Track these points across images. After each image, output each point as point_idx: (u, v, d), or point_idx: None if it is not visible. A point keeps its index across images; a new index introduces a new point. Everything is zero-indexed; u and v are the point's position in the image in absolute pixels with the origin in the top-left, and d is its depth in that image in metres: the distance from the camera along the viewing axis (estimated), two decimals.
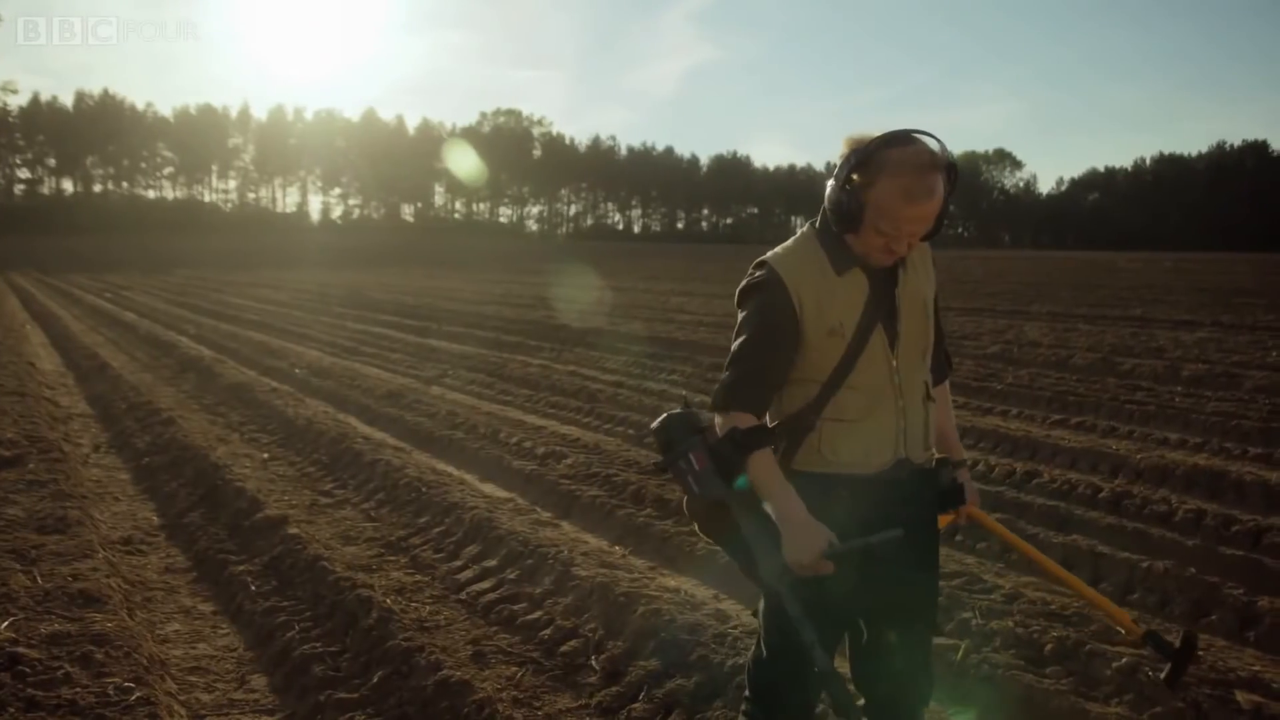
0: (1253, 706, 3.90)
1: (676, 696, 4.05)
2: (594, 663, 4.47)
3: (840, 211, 2.53)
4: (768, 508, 2.49)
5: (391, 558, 6.07)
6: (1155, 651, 3.93)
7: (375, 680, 4.26)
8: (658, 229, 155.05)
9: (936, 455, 2.84)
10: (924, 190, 2.42)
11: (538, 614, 5.05)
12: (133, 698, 3.87)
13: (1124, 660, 4.27)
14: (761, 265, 2.66)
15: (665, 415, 2.68)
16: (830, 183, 2.57)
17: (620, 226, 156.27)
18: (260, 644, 4.90)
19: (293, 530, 6.21)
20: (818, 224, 2.66)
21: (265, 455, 8.91)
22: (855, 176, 2.48)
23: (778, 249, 2.70)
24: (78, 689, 3.90)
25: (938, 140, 2.49)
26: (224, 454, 8.57)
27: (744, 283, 2.68)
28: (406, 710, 3.98)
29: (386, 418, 10.72)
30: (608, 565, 5.54)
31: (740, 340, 2.63)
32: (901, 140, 2.46)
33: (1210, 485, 7.34)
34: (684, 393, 2.69)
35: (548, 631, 4.83)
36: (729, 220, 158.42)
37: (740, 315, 2.67)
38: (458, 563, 5.95)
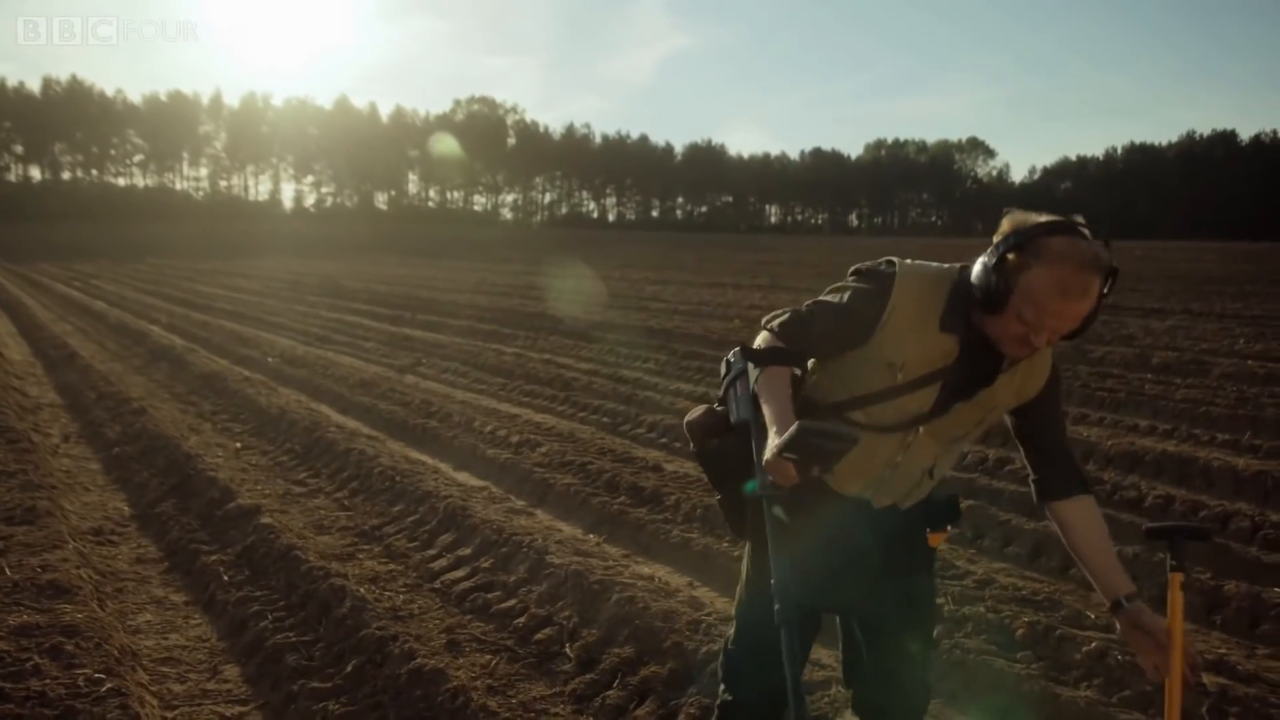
0: (1218, 689, 3.95)
1: (650, 684, 4.06)
2: (568, 650, 4.47)
3: (987, 290, 2.38)
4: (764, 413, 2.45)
5: (365, 547, 6.06)
6: None
7: (349, 669, 4.25)
8: (632, 217, 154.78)
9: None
10: (1079, 288, 2.29)
11: (512, 602, 5.05)
12: (104, 689, 3.84)
13: (1094, 645, 4.32)
14: (892, 263, 2.55)
15: (732, 351, 2.65)
16: (982, 259, 2.42)
17: (595, 215, 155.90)
18: (233, 634, 4.88)
19: (265, 520, 6.18)
20: (966, 277, 2.48)
21: (238, 445, 8.85)
22: (1011, 257, 2.34)
23: (919, 262, 2.56)
24: (47, 680, 3.87)
25: (1104, 241, 2.36)
26: (196, 443, 8.51)
27: (867, 264, 2.58)
28: (380, 699, 3.98)
29: (360, 407, 10.68)
30: (582, 553, 5.55)
31: (824, 297, 2.56)
32: (1067, 230, 2.33)
33: (1179, 471, 7.42)
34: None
35: (522, 619, 4.83)
36: (703, 209, 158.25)
37: (846, 281, 2.58)
38: (432, 551, 5.93)
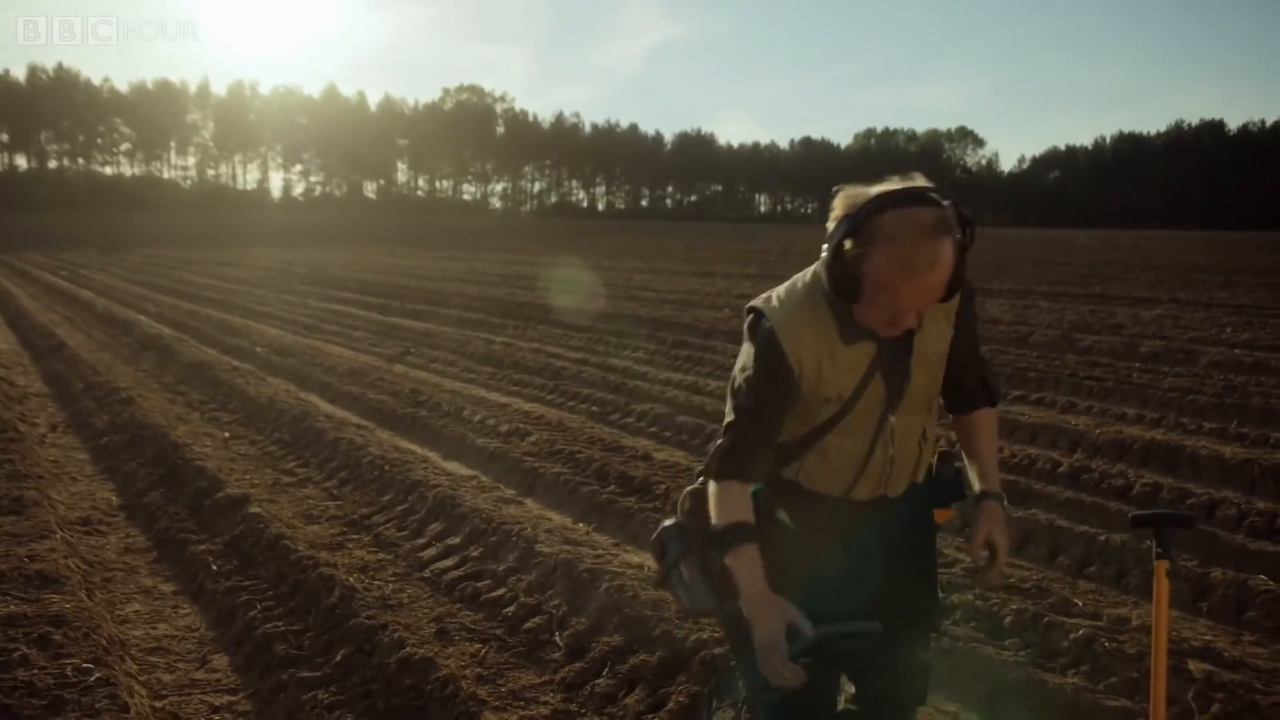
0: (1204, 675, 3.97)
1: (640, 672, 4.07)
2: (557, 639, 4.48)
3: (835, 284, 2.26)
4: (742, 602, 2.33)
5: (354, 536, 6.05)
6: None
7: (338, 659, 4.25)
8: (622, 206, 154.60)
9: (940, 449, 2.68)
10: (924, 262, 2.15)
11: (501, 591, 5.05)
12: (92, 678, 3.84)
13: (1081, 632, 4.34)
14: (761, 318, 2.41)
15: (661, 527, 2.55)
16: (824, 247, 2.29)
17: (584, 204, 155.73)
18: (222, 623, 4.88)
19: (254, 509, 6.17)
20: (836, 231, 2.31)
21: (226, 434, 8.83)
22: (848, 245, 2.21)
23: (781, 298, 2.43)
24: (35, 670, 3.86)
25: (943, 197, 2.20)
26: (184, 433, 8.48)
27: (749, 317, 2.46)
28: (370, 688, 3.98)
29: (349, 396, 10.65)
30: (571, 542, 5.55)
31: (735, 402, 2.44)
32: (898, 201, 2.17)
33: (1166, 459, 7.45)
34: (675, 511, 2.42)
35: (511, 608, 4.84)
36: (693, 198, 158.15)
37: (738, 365, 2.45)
38: (421, 541, 5.93)
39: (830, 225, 2.27)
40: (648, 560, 5.57)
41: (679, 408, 9.58)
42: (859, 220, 2.19)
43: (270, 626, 4.62)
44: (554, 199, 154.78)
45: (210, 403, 10.25)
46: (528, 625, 4.65)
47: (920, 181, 2.24)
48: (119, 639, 4.54)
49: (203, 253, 42.43)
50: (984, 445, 2.68)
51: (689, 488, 2.64)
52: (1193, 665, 4.07)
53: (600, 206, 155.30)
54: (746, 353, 2.44)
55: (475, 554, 5.56)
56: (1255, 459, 7.11)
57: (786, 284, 2.46)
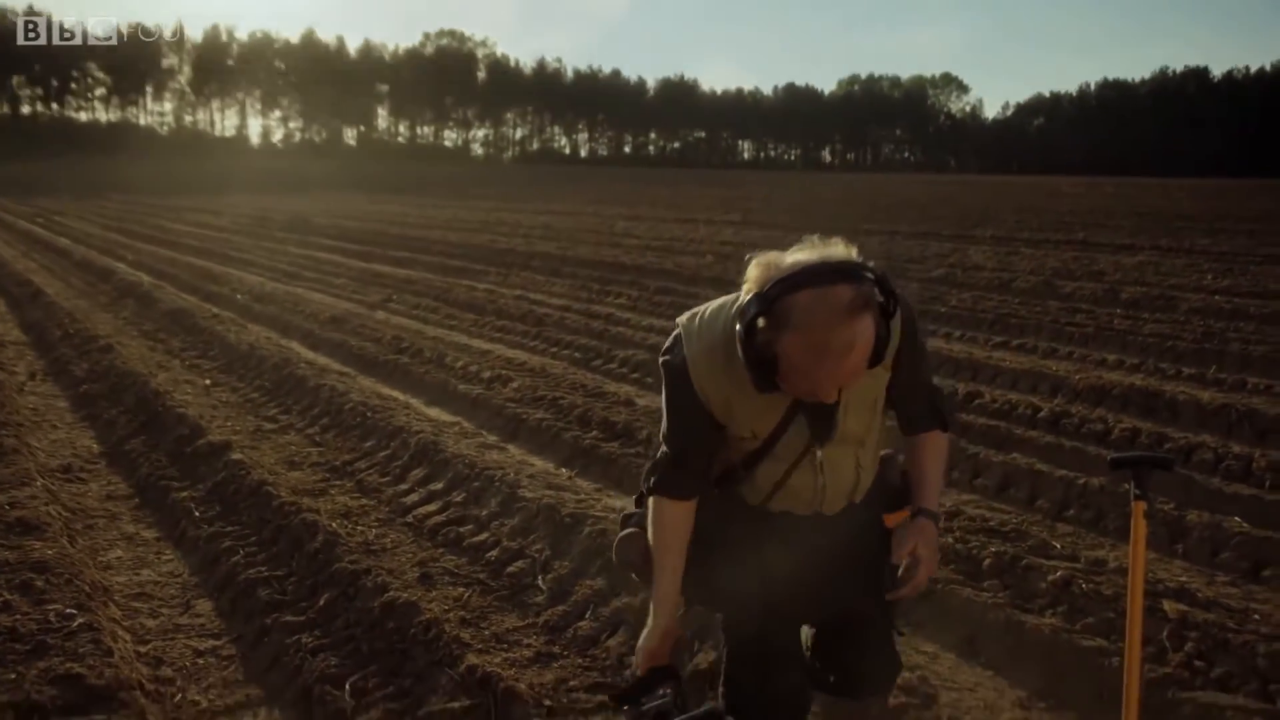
0: (1179, 615, 4.03)
1: (622, 615, 4.10)
2: (540, 583, 4.50)
3: (749, 364, 2.15)
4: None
5: (337, 482, 6.05)
6: None
7: (321, 603, 4.26)
8: (604, 153, 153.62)
9: (883, 454, 2.63)
10: (840, 345, 2.03)
11: (484, 536, 5.07)
12: (75, 624, 3.84)
13: (1059, 574, 4.38)
14: (678, 345, 2.36)
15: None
16: (736, 325, 2.15)
17: (567, 150, 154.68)
18: (205, 569, 4.88)
19: (236, 456, 6.16)
20: (746, 310, 2.16)
21: (207, 381, 8.79)
22: (760, 324, 2.09)
23: (702, 326, 2.34)
24: (18, 616, 3.86)
25: (864, 271, 2.08)
26: (164, 380, 8.44)
27: (666, 354, 2.40)
28: (354, 632, 3.99)
29: (330, 343, 10.61)
30: (554, 487, 5.57)
31: (664, 422, 2.46)
32: (813, 279, 2.04)
33: (1145, 404, 7.50)
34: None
35: (494, 553, 4.86)
36: (676, 144, 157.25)
37: (664, 399, 2.44)
38: (404, 486, 5.94)
39: (743, 296, 2.16)
40: (630, 506, 5.59)
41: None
42: (769, 300, 2.06)
43: (253, 572, 4.63)
44: (536, 145, 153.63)
45: (190, 350, 10.20)
46: (510, 569, 4.67)
47: (839, 250, 2.13)
48: (102, 585, 4.54)
49: (180, 200, 41.97)
50: (929, 466, 2.61)
51: (624, 534, 2.69)
52: (1167, 605, 4.12)
53: (583, 153, 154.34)
54: (664, 378, 2.42)
55: (458, 499, 5.57)
56: (1232, 404, 7.16)
57: (714, 307, 2.36)
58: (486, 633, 4.07)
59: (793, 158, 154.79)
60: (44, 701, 3.24)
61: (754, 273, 2.14)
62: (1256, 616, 4.17)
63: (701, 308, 2.39)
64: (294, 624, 4.13)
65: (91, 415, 7.77)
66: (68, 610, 3.95)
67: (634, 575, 2.67)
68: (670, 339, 2.41)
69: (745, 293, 2.15)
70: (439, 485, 5.82)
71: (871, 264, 2.12)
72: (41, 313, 12.48)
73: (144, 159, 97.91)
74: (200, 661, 4.01)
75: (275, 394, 8.25)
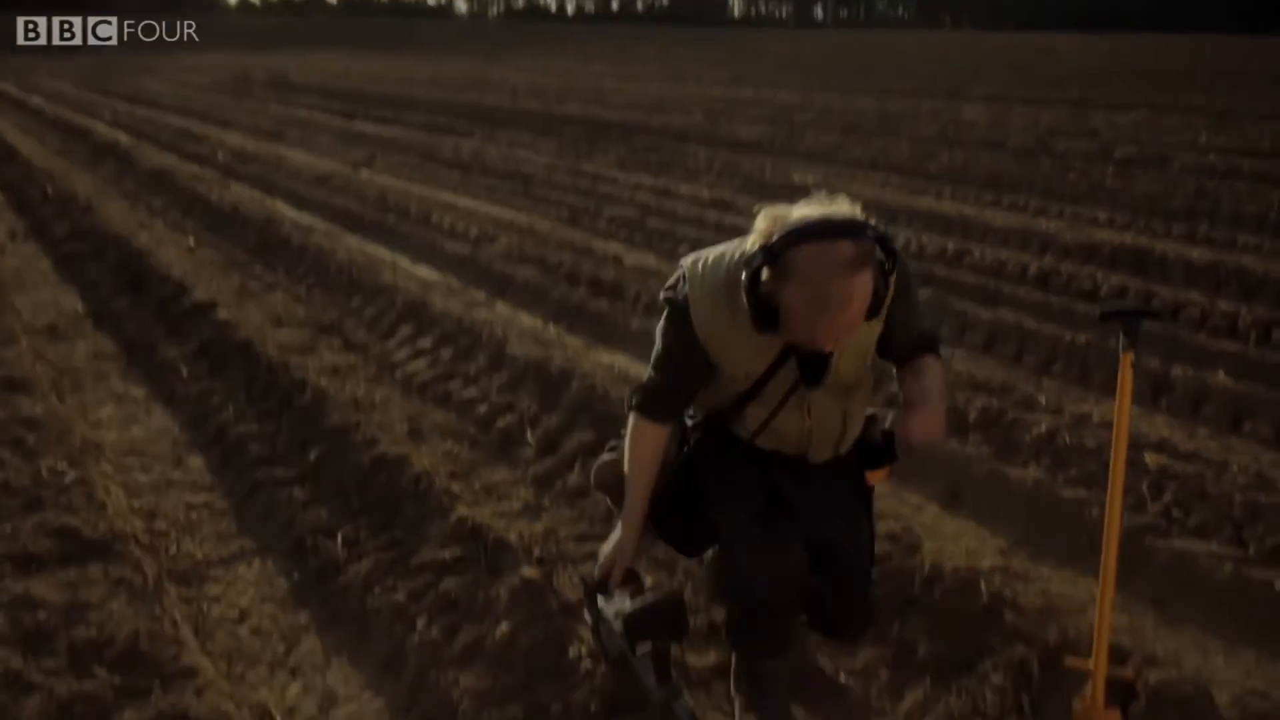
0: (1159, 467, 4.08)
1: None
2: (529, 437, 4.53)
3: (753, 312, 2.22)
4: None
5: (324, 340, 6.03)
6: None
7: (312, 458, 4.29)
8: (591, 10, 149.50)
9: (868, 414, 2.63)
10: (839, 298, 2.10)
11: (473, 391, 5.09)
12: (68, 479, 3.86)
13: (1043, 427, 4.43)
14: (677, 288, 2.41)
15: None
16: (742, 274, 2.22)
17: (553, 8, 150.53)
18: (195, 426, 4.90)
19: (222, 315, 6.12)
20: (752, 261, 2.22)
21: (190, 241, 8.70)
22: (764, 274, 2.17)
23: (706, 269, 2.38)
24: (10, 471, 3.88)
25: (866, 229, 2.15)
26: (147, 240, 8.33)
27: (667, 291, 2.45)
28: (344, 485, 4.03)
29: (315, 202, 10.48)
30: (542, 343, 5.57)
31: (656, 350, 2.50)
32: (817, 234, 2.11)
33: (1135, 262, 7.48)
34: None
35: (483, 408, 4.88)
36: (665, 1, 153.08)
37: (660, 320, 2.49)
38: (392, 343, 5.94)
39: (749, 246, 2.22)
40: (618, 360, 5.61)
41: (650, 211, 9.49)
42: (774, 252, 2.14)
43: (243, 428, 4.65)
44: (522, 3, 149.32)
45: (173, 210, 10.07)
46: (500, 424, 4.70)
47: (844, 206, 2.18)
48: (93, 442, 4.56)
49: (156, 58, 40.81)
50: (928, 382, 2.51)
51: (603, 459, 2.83)
52: (1149, 458, 4.17)
53: (570, 10, 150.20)
54: (664, 313, 2.47)
55: (446, 356, 5.58)
56: (1221, 261, 7.15)
57: (718, 252, 2.41)
58: (476, 485, 4.12)
59: (784, 15, 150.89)
60: (40, 553, 3.27)
61: (761, 224, 2.21)
62: (1234, 468, 4.23)
63: (706, 251, 2.45)
64: (285, 478, 4.16)
65: (74, 276, 7.70)
66: (59, 466, 3.96)
67: (608, 499, 2.82)
68: (673, 278, 2.46)
69: (751, 244, 2.22)
70: (427, 342, 5.81)
71: (873, 223, 2.19)
72: (17, 172, 12.27)
73: (118, 15, 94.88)
74: (194, 515, 4.06)
75: (260, 253, 8.18)
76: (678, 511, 2.65)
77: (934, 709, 2.69)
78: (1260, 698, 2.51)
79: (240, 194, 10.53)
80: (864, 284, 2.13)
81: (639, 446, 2.56)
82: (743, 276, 2.23)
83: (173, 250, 8.21)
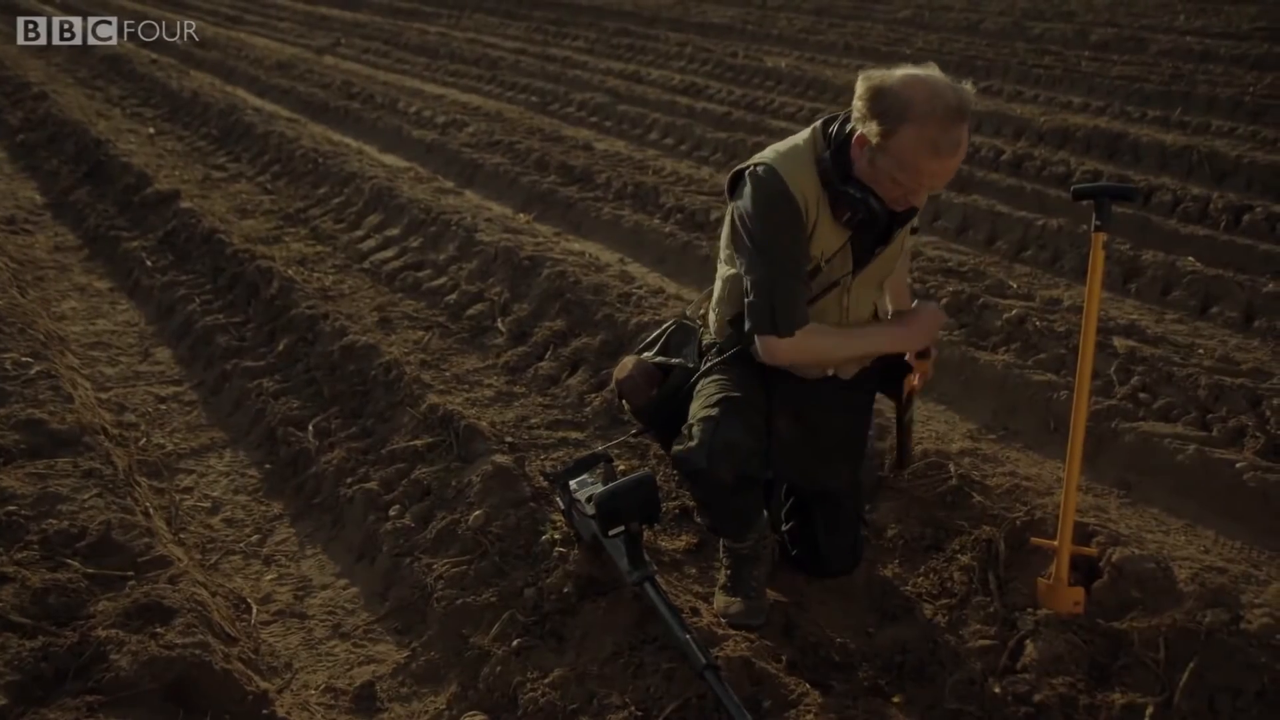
0: (1127, 350, 4.12)
1: (582, 354, 4.13)
2: (500, 325, 4.51)
3: (844, 166, 2.34)
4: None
5: (291, 229, 5.95)
6: None
7: (280, 348, 4.25)
8: None
9: None
10: (951, 143, 2.19)
11: (442, 280, 5.04)
12: (33, 371, 3.80)
13: (1014, 312, 4.44)
14: (759, 168, 2.41)
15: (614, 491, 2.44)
16: (850, 127, 2.31)
17: None
18: (161, 318, 4.84)
19: (186, 205, 6.00)
20: (824, 145, 2.39)
21: (150, 130, 8.48)
22: (875, 125, 2.23)
23: (780, 152, 2.43)
24: None
25: (966, 85, 2.25)
26: (106, 129, 8.12)
27: (754, 190, 2.41)
28: (314, 375, 4.00)
29: (278, 89, 10.23)
30: (512, 231, 5.50)
31: (769, 263, 2.41)
32: (929, 83, 2.21)
33: (1109, 146, 7.44)
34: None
35: (453, 296, 4.84)
36: None
37: (757, 228, 2.40)
38: (359, 232, 5.86)
39: (857, 104, 2.27)
40: (590, 248, 5.57)
41: (620, 97, 9.32)
42: (890, 96, 2.20)
43: (210, 319, 4.60)
44: None
45: (131, 98, 9.80)
46: (470, 312, 4.66)
47: (937, 72, 2.26)
48: (57, 334, 4.49)
49: None
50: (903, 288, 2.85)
51: (631, 358, 2.87)
52: (1117, 342, 4.21)
53: None
54: (750, 205, 2.41)
55: (415, 244, 5.51)
56: (1194, 145, 7.12)
57: (774, 147, 2.46)
58: (447, 374, 4.10)
59: None
60: (8, 445, 3.24)
61: (863, 84, 2.26)
62: (1201, 351, 4.28)
63: (753, 157, 2.48)
64: (254, 369, 4.13)
65: (31, 166, 7.51)
66: (23, 359, 3.90)
67: (625, 404, 2.86)
68: (759, 175, 2.41)
69: (857, 99, 2.28)
70: (395, 231, 5.74)
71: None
72: None
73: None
74: (163, 407, 4.03)
75: (222, 142, 8.00)
76: (673, 414, 2.63)
77: (903, 588, 2.73)
78: (1218, 573, 2.56)
79: (200, 80, 10.24)
80: (966, 138, 2.23)
81: (827, 338, 2.51)
82: (831, 130, 2.38)
83: (132, 139, 8.01)
